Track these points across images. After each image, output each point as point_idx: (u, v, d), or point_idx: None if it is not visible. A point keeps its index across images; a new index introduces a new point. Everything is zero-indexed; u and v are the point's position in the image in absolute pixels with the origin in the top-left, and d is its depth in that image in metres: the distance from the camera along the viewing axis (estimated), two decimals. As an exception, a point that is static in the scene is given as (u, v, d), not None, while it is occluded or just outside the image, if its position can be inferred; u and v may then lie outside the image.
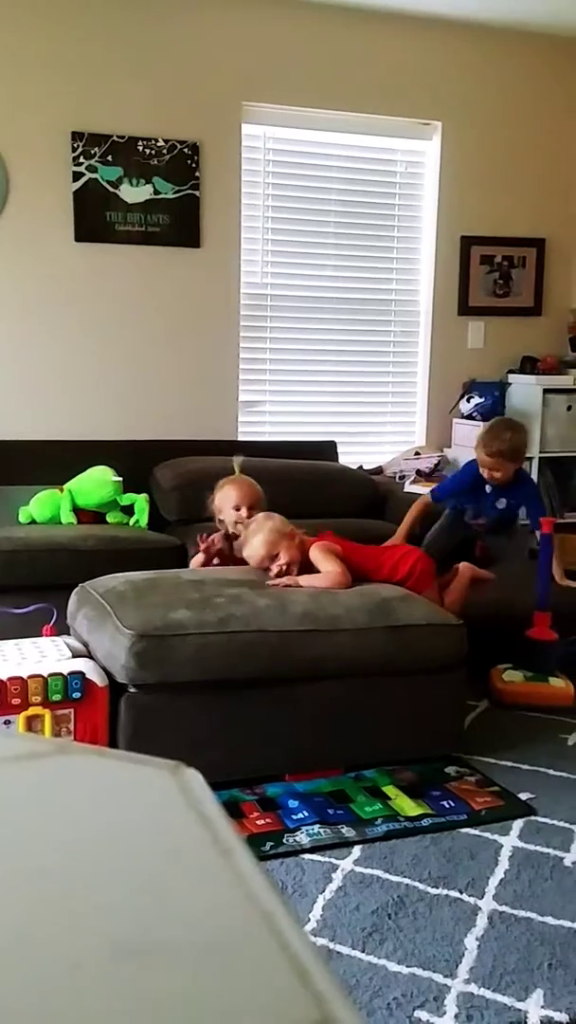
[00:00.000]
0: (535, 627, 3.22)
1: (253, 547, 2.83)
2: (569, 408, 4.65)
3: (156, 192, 4.13)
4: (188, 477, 3.78)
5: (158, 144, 4.11)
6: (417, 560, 3.01)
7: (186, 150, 4.15)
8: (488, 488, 3.56)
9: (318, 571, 2.79)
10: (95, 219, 4.05)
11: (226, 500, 3.12)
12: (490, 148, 4.68)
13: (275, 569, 2.78)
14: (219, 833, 0.50)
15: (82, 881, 0.47)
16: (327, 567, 2.78)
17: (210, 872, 0.47)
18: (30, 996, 0.38)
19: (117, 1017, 0.37)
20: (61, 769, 0.59)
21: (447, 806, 2.43)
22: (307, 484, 3.94)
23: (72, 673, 2.34)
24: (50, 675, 2.32)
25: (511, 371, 4.78)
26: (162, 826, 0.52)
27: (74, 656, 2.42)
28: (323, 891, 2.05)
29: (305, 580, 2.75)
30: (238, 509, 3.08)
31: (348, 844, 2.24)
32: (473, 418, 4.58)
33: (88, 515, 3.72)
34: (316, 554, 2.82)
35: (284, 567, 2.78)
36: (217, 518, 3.14)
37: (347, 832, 2.29)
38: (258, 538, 2.82)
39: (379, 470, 4.53)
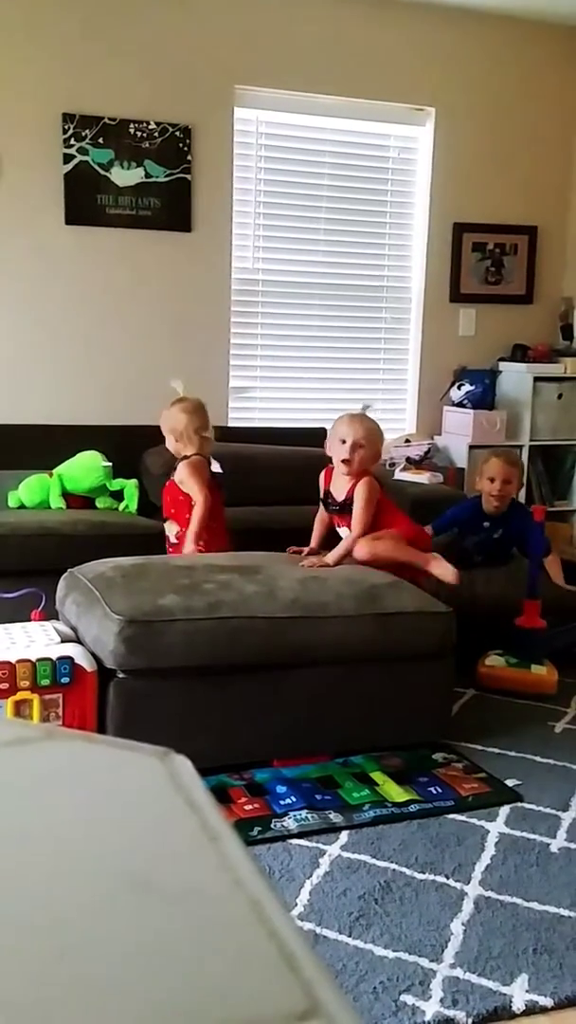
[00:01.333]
0: (524, 615, 3.23)
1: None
2: (559, 396, 4.66)
3: (147, 175, 4.11)
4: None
5: (150, 127, 4.08)
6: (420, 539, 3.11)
7: (178, 133, 4.12)
8: (486, 523, 3.59)
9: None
10: (86, 202, 4.03)
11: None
12: (483, 135, 4.66)
13: (308, 560, 2.89)
14: (207, 819, 0.50)
15: (69, 868, 0.47)
16: (358, 521, 2.94)
17: (198, 858, 0.47)
18: (21, 985, 0.38)
19: (103, 1004, 0.37)
20: (49, 755, 0.59)
21: (434, 792, 2.44)
22: (297, 470, 3.93)
23: (61, 658, 2.34)
24: (38, 660, 2.31)
25: (502, 359, 4.78)
26: (151, 812, 0.52)
27: (63, 641, 2.42)
28: (310, 876, 2.06)
29: (332, 558, 2.89)
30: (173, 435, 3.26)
31: (335, 829, 2.25)
32: (464, 405, 4.58)
33: (77, 500, 3.71)
34: (360, 494, 2.96)
35: (316, 562, 2.88)
36: (172, 437, 3.28)
37: (334, 818, 2.30)
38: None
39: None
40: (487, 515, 3.57)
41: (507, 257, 4.81)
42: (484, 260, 4.77)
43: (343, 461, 2.99)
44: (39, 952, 0.40)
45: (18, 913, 0.42)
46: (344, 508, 3.00)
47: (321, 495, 3.11)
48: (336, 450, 3.03)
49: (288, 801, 2.36)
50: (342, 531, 3.04)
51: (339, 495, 3.02)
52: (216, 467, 3.24)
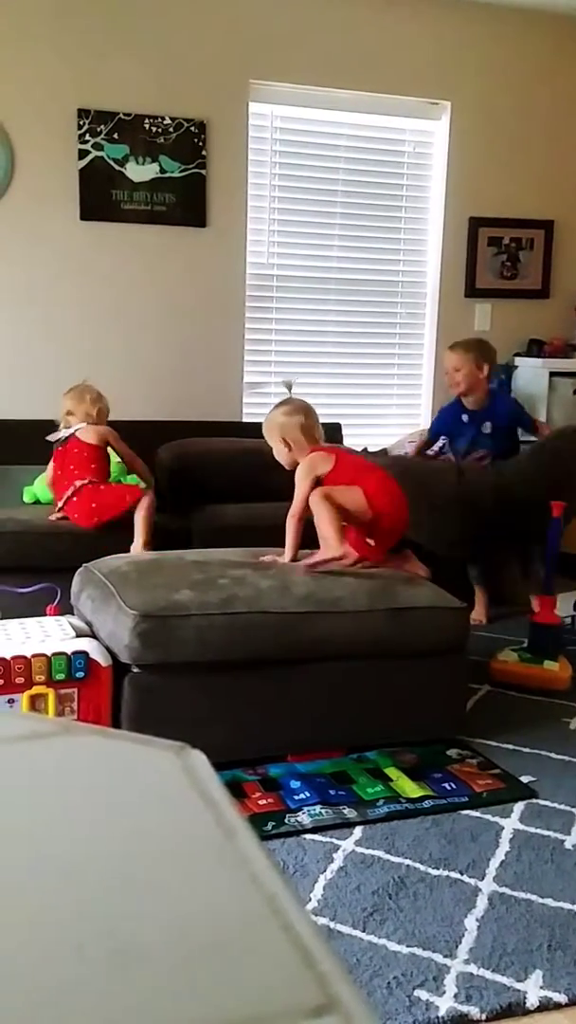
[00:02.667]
0: (539, 611, 3.23)
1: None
2: (575, 391, 4.63)
3: (162, 171, 4.11)
4: (189, 459, 3.78)
5: (164, 122, 4.08)
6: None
7: (193, 128, 4.12)
8: (465, 417, 3.74)
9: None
10: (101, 197, 4.03)
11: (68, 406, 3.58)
12: (499, 129, 4.64)
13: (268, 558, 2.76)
14: (223, 815, 0.50)
15: (87, 861, 0.47)
16: (324, 531, 2.68)
17: (214, 853, 0.47)
18: (37, 976, 0.38)
19: (119, 996, 0.37)
20: (66, 749, 0.59)
21: (448, 788, 2.43)
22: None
23: (76, 653, 2.34)
24: (54, 654, 2.32)
25: (518, 354, 4.76)
26: (167, 807, 0.52)
27: (78, 636, 2.42)
28: (324, 871, 2.06)
29: (287, 554, 2.74)
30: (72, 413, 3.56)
31: (349, 825, 2.25)
32: (479, 401, 4.56)
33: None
34: (315, 502, 2.71)
35: (273, 558, 2.75)
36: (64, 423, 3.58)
37: (348, 813, 2.30)
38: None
39: (384, 452, 4.52)
40: (467, 411, 3.72)
41: (523, 251, 4.79)
42: (500, 254, 4.75)
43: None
44: (57, 942, 0.40)
45: (36, 905, 0.43)
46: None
47: None
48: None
49: (302, 796, 2.36)
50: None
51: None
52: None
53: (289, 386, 2.98)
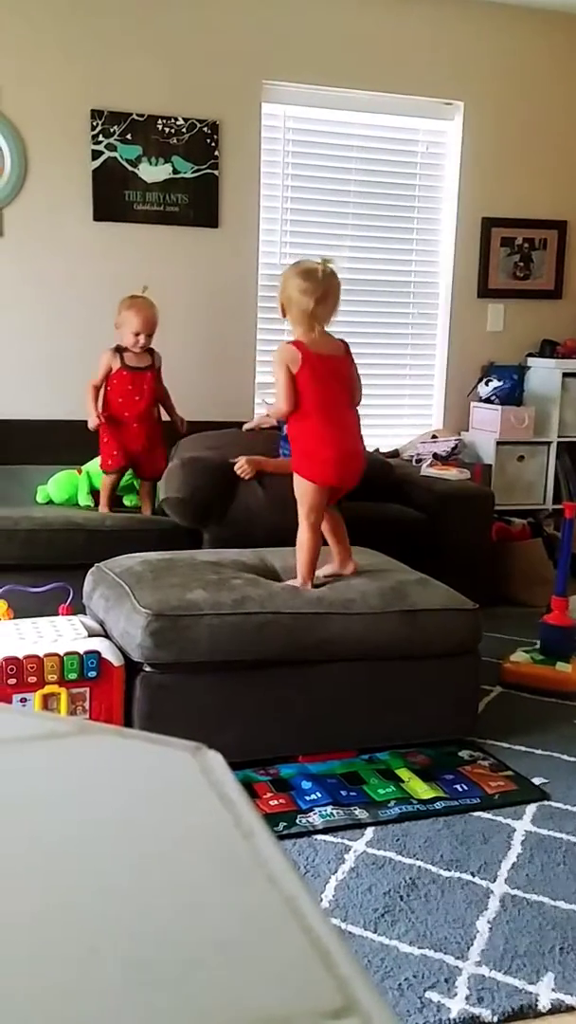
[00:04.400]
0: (552, 612, 3.22)
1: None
2: (588, 392, 4.62)
3: (175, 171, 4.11)
4: (198, 460, 3.78)
5: (177, 123, 4.09)
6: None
7: (205, 129, 4.13)
8: None
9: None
10: (114, 198, 4.04)
11: (127, 324, 3.57)
12: (512, 128, 4.63)
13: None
14: (241, 815, 0.50)
15: (104, 862, 0.47)
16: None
17: (232, 854, 0.48)
18: (50, 977, 0.38)
19: (136, 997, 0.37)
20: (83, 749, 0.60)
21: (460, 789, 2.43)
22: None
23: (88, 652, 2.35)
24: (66, 654, 2.33)
25: (530, 354, 4.75)
26: (184, 808, 0.53)
27: (90, 635, 2.43)
28: (335, 872, 2.06)
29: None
30: (137, 335, 3.55)
31: (361, 826, 2.25)
32: (491, 401, 4.55)
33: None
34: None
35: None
36: (117, 332, 3.61)
37: (360, 814, 2.30)
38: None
39: (395, 453, 4.52)
40: None
41: (536, 252, 4.78)
42: (513, 255, 4.74)
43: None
44: (73, 944, 0.40)
45: (53, 905, 0.43)
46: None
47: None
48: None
49: (313, 797, 2.36)
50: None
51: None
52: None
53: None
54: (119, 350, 3.62)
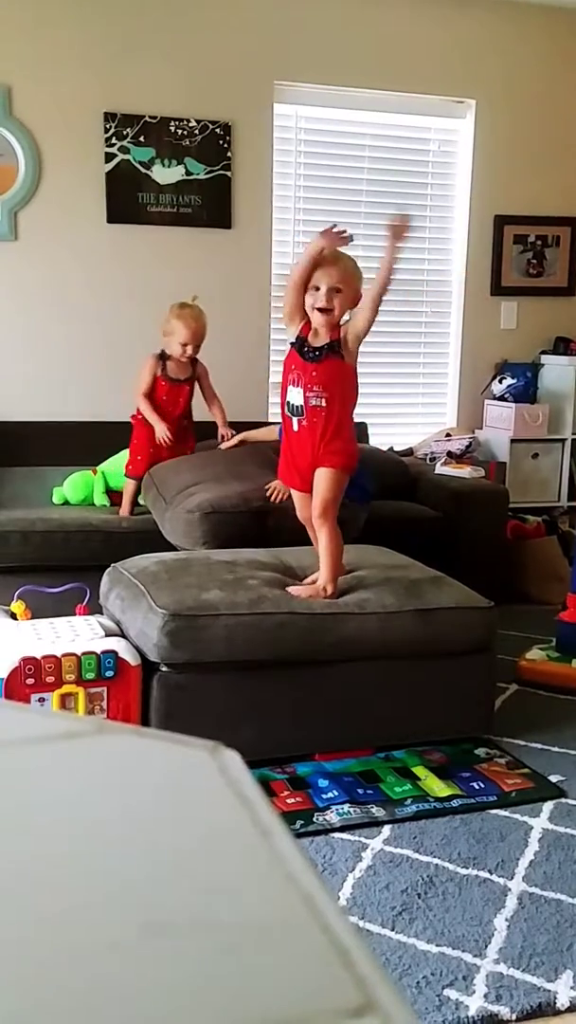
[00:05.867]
0: (568, 609, 3.21)
1: None
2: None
3: (188, 173, 4.12)
4: (217, 513, 3.77)
5: (190, 124, 4.10)
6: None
7: (218, 130, 4.13)
8: None
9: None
10: (127, 200, 4.05)
11: (176, 334, 3.54)
12: (524, 126, 4.61)
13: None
14: (259, 814, 0.51)
15: (122, 861, 0.48)
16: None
17: (250, 853, 0.48)
18: (72, 973, 0.39)
19: (155, 996, 0.38)
20: (101, 748, 0.60)
21: (477, 787, 2.43)
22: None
23: (105, 652, 2.36)
24: (83, 653, 2.34)
25: (544, 352, 4.73)
26: (202, 807, 0.53)
27: (107, 635, 2.44)
28: (353, 870, 2.06)
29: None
30: (184, 346, 3.54)
31: (378, 824, 2.25)
32: (505, 399, 4.54)
33: (121, 497, 3.73)
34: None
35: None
36: (164, 339, 3.59)
37: (377, 812, 2.30)
38: None
39: (410, 452, 4.52)
40: None
41: (549, 249, 4.76)
42: (525, 252, 4.73)
43: (322, 310, 2.64)
44: (92, 941, 0.41)
45: (73, 903, 0.43)
46: (323, 353, 2.64)
47: (295, 341, 2.70)
48: (312, 298, 2.66)
49: (330, 795, 2.37)
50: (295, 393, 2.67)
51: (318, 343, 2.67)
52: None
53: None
54: (163, 357, 3.60)
